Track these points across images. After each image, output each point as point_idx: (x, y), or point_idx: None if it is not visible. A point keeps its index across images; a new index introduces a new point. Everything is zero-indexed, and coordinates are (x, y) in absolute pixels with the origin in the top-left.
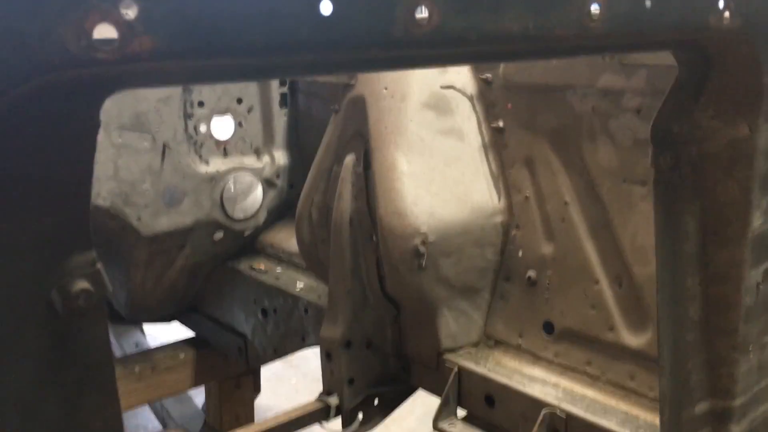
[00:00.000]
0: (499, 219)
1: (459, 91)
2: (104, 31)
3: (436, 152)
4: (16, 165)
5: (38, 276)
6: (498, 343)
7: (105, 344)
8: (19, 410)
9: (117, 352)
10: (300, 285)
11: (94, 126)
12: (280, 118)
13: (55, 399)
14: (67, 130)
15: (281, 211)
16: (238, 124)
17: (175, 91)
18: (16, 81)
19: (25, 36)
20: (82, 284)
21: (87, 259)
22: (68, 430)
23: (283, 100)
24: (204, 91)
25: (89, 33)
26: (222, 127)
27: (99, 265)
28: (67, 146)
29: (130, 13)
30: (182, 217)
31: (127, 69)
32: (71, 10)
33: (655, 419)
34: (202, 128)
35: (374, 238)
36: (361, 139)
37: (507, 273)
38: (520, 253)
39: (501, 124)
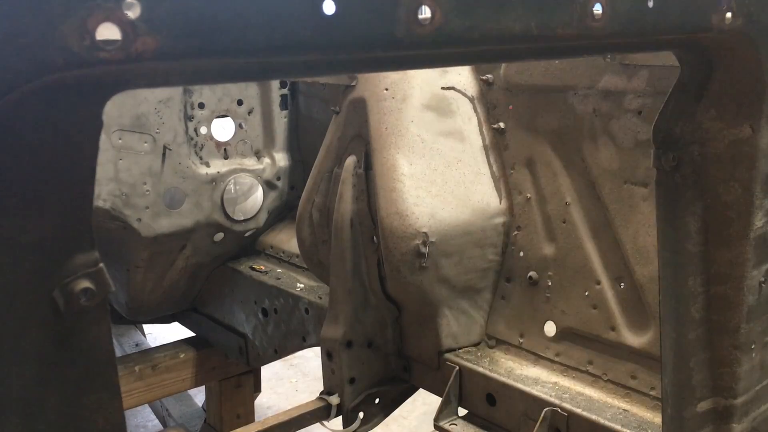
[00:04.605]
0: (500, 220)
1: (460, 92)
2: (107, 31)
3: (437, 153)
4: (19, 165)
5: (41, 275)
6: (499, 343)
7: (107, 343)
8: (21, 409)
9: (117, 352)
10: (300, 285)
11: (97, 126)
12: (281, 120)
13: (57, 398)
14: (70, 130)
15: (282, 212)
16: (239, 126)
17: (175, 93)
18: (19, 81)
19: (27, 36)
20: (85, 283)
21: (89, 259)
22: (70, 429)
23: (284, 102)
24: (204, 93)
25: (92, 33)
26: (222, 129)
27: (101, 265)
28: (70, 146)
29: (133, 13)
30: (183, 218)
31: (130, 69)
32: (74, 9)
33: (656, 418)
34: (203, 130)
35: (375, 239)
36: (361, 141)
37: (508, 273)
38: (521, 254)
39: (502, 125)
